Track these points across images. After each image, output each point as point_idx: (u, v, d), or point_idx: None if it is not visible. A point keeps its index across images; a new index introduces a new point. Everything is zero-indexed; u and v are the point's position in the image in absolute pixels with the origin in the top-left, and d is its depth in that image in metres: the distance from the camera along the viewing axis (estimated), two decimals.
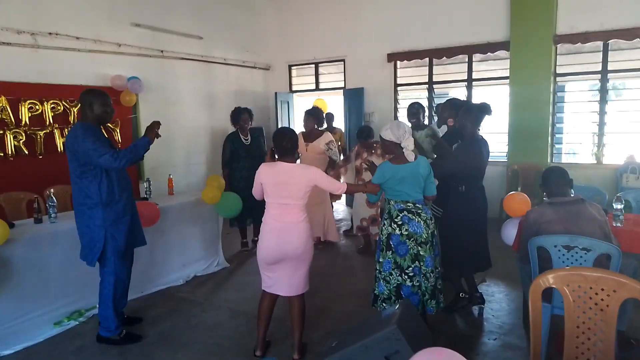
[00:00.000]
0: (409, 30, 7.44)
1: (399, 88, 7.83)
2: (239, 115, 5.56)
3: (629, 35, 5.88)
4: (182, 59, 7.17)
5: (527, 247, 2.95)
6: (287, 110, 8.76)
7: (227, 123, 7.81)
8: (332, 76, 8.61)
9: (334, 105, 9.70)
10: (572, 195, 2.86)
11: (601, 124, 6.30)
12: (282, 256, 2.95)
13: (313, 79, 8.72)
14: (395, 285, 3.21)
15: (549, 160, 6.57)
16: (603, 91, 6.24)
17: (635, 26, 5.83)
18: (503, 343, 3.32)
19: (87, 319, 3.78)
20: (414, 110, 4.84)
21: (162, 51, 6.79)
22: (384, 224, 3.27)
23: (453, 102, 4.35)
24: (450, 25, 7.09)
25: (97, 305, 3.46)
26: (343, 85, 8.29)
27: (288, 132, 3.03)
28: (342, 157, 5.86)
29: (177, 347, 3.37)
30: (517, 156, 6.65)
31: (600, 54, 6.19)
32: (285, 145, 2.97)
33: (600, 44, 6.16)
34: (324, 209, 5.58)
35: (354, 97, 8.02)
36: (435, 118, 5.56)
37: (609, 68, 6.17)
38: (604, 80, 6.22)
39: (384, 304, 3.25)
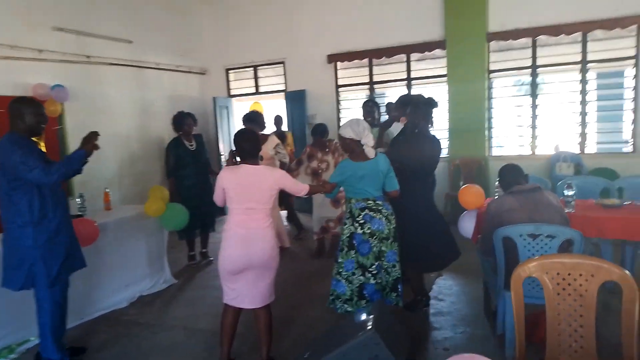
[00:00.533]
0: (349, 31, 7.44)
1: (340, 89, 7.80)
2: (183, 120, 5.25)
3: (555, 31, 6.22)
4: (111, 64, 6.69)
5: (490, 239, 2.96)
6: (227, 115, 8.46)
7: (163, 131, 7.47)
8: (272, 79, 8.43)
9: (274, 109, 9.56)
10: (530, 184, 2.91)
11: (534, 117, 6.62)
12: (247, 265, 2.76)
13: (252, 82, 8.49)
14: (357, 285, 3.17)
15: (487, 154, 6.81)
16: (533, 85, 6.57)
17: (560, 23, 6.18)
18: (470, 335, 3.32)
19: (19, 355, 3.35)
20: (369, 107, 4.79)
21: (88, 56, 6.29)
22: (346, 224, 3.25)
23: (403, 99, 4.34)
24: (388, 25, 7.16)
25: (37, 337, 3.09)
26: (284, 88, 8.14)
27: (249, 133, 2.91)
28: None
29: None
30: (458, 151, 6.83)
31: (530, 50, 6.51)
32: (246, 147, 2.83)
33: (529, 40, 6.46)
34: (274, 215, 5.38)
35: (295, 100, 7.90)
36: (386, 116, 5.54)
37: (538, 63, 6.50)
38: (534, 75, 6.54)
39: (345, 305, 3.21)
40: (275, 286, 2.95)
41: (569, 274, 2.02)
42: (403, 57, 7.23)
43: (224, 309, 2.93)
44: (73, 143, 5.83)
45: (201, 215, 5.17)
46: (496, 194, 3.88)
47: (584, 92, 6.31)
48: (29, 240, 2.84)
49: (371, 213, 3.17)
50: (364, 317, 2.74)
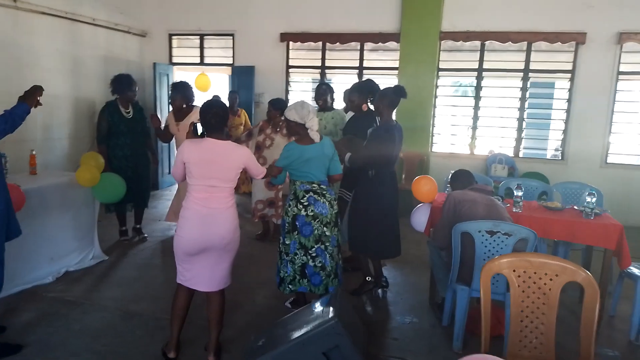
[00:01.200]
0: (304, 11, 7.26)
1: (290, 69, 7.62)
2: (129, 84, 4.76)
3: (503, 38, 6.49)
4: (42, 13, 6.01)
5: (446, 230, 3.02)
6: (167, 84, 7.96)
7: (95, 94, 6.89)
8: (218, 51, 8.05)
9: (218, 84, 9.14)
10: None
11: (474, 118, 6.89)
12: (206, 246, 2.59)
13: (197, 51, 8.04)
14: (300, 265, 3.22)
15: (429, 150, 7.00)
16: (477, 88, 6.82)
17: (509, 30, 6.45)
18: (417, 325, 3.38)
19: None
20: (322, 91, 4.68)
21: (15, 0, 5.59)
22: (289, 205, 3.26)
23: (362, 85, 4.28)
24: (345, 11, 7.07)
25: None
26: (231, 62, 7.80)
27: (217, 105, 2.69)
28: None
29: (64, 356, 2.79)
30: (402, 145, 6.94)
31: (478, 53, 6.74)
32: (211, 120, 2.64)
33: (478, 43, 6.69)
34: None
35: (243, 76, 7.60)
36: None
37: (485, 67, 6.75)
38: (479, 78, 6.80)
39: (289, 286, 3.25)
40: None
41: (535, 273, 2.09)
42: (357, 45, 7.20)
43: (177, 289, 2.74)
44: None
45: (135, 189, 4.79)
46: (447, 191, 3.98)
47: (523, 99, 6.67)
48: None
49: (315, 196, 3.20)
50: (321, 306, 2.69)
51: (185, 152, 2.61)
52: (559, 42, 6.32)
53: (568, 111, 6.53)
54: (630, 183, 6.29)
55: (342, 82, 7.67)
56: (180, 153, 2.65)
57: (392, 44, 6.99)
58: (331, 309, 2.53)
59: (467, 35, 6.63)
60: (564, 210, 3.58)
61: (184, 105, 4.91)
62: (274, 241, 4.98)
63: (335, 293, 2.75)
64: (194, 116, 4.89)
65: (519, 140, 6.79)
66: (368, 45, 7.17)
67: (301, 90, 7.71)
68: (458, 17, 6.62)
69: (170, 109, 5.16)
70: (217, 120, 2.64)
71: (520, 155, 6.85)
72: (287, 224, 3.26)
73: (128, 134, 4.80)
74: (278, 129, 4.91)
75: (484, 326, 2.12)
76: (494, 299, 3.01)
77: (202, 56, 8.06)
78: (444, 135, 7.24)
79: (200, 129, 2.91)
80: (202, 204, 2.59)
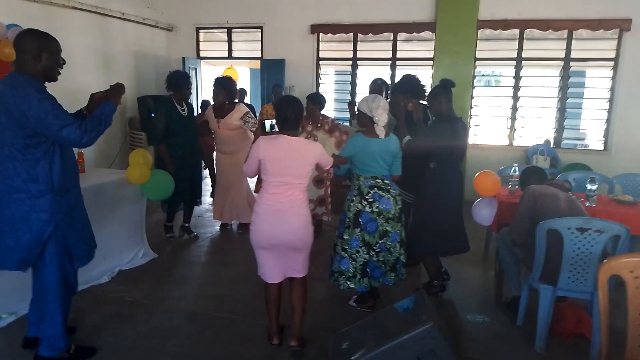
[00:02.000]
0: (334, 2, 7.10)
1: (321, 62, 7.49)
2: (186, 81, 4.64)
3: (544, 26, 6.31)
4: (74, 8, 5.93)
5: (526, 227, 2.91)
6: (196, 78, 7.87)
7: (128, 90, 6.77)
8: (247, 44, 7.92)
9: (242, 79, 9.03)
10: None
11: (514, 109, 6.74)
12: (277, 242, 2.62)
13: (225, 45, 7.92)
14: (361, 263, 3.18)
15: (469, 141, 6.84)
16: (517, 78, 6.66)
17: (549, 17, 6.28)
18: (490, 324, 3.26)
19: None
20: (377, 87, 4.55)
21: None
22: (353, 201, 3.21)
23: (409, 83, 4.08)
24: (376, 1, 6.92)
25: (36, 323, 2.62)
26: (260, 55, 7.68)
27: (293, 101, 2.68)
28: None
29: None
30: None
31: (517, 42, 6.57)
32: (289, 116, 2.62)
33: (517, 32, 6.52)
34: (244, 187, 5.09)
35: (273, 69, 7.48)
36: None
37: (524, 56, 6.58)
38: (518, 68, 6.63)
39: (348, 282, 3.21)
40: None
41: None
42: (390, 35, 7.05)
43: (265, 282, 2.77)
44: None
45: (190, 188, 4.71)
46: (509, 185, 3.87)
47: (564, 89, 6.50)
48: (44, 213, 2.35)
49: (380, 192, 3.15)
50: (407, 307, 2.60)
51: (261, 149, 2.59)
52: (602, 30, 6.14)
53: (611, 100, 6.36)
54: None
55: (373, 74, 7.53)
56: (255, 149, 2.61)
57: (427, 34, 6.83)
58: (422, 310, 2.44)
59: (505, 24, 6.46)
60: (637, 203, 3.45)
61: (227, 102, 4.81)
62: (316, 238, 4.92)
63: (422, 294, 2.65)
64: (236, 114, 4.80)
65: (560, 130, 6.63)
66: (401, 35, 7.01)
67: (326, 83, 7.56)
68: (497, 5, 6.44)
69: (211, 103, 5.07)
70: (296, 116, 2.63)
71: (563, 146, 6.69)
72: (347, 219, 3.22)
73: (184, 133, 4.61)
74: (320, 125, 4.78)
75: (602, 331, 2.00)
76: (579, 297, 2.93)
77: (230, 49, 7.94)
78: (483, 126, 7.08)
79: (268, 124, 2.86)
80: (276, 199, 2.59)
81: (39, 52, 2.30)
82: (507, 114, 6.79)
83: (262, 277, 2.77)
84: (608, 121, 6.42)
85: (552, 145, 6.62)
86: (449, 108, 3.50)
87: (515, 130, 6.80)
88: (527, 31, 6.48)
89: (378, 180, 3.18)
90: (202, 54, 8.09)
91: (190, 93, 4.73)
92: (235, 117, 4.80)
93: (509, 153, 6.66)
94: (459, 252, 3.62)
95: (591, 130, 6.72)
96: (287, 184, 2.59)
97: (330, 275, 3.30)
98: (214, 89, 4.83)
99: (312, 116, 4.78)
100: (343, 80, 8.62)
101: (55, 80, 2.45)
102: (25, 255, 2.40)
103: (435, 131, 3.50)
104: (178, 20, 7.92)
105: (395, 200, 3.21)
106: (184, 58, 7.57)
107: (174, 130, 4.56)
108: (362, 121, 3.23)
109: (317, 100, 4.72)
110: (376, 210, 3.13)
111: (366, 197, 3.14)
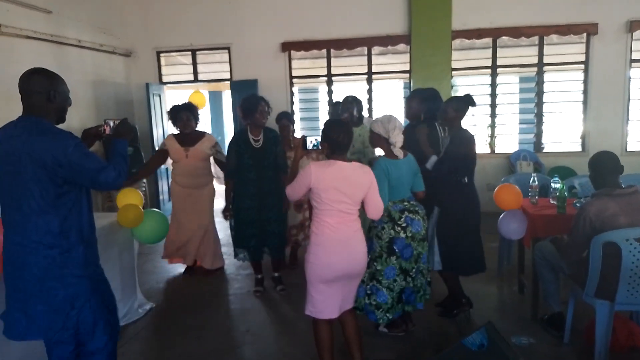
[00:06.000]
0: (305, 19, 6.91)
1: (294, 80, 7.26)
2: (257, 104, 3.85)
3: (516, 33, 6.43)
4: (27, 37, 5.38)
5: (582, 248, 2.78)
6: (160, 105, 7.40)
7: (86, 120, 6.21)
8: (213, 66, 7.56)
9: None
10: (628, 186, 2.76)
11: (493, 116, 6.79)
12: (345, 272, 2.46)
13: (190, 68, 7.51)
14: (398, 290, 3.06)
15: None
16: (494, 85, 6.72)
17: (521, 25, 6.39)
18: (537, 345, 3.09)
19: None
20: (348, 104, 4.36)
21: None
22: (384, 228, 3.02)
23: (423, 95, 3.99)
24: (348, 15, 6.79)
25: None
26: (229, 77, 7.33)
27: (345, 124, 2.52)
28: None
29: None
30: None
31: (490, 50, 6.64)
32: (342, 141, 2.47)
33: (490, 40, 6.59)
34: (211, 227, 4.63)
35: (245, 90, 7.11)
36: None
37: (498, 64, 6.66)
38: (494, 75, 6.70)
39: (387, 314, 3.03)
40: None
41: None
42: (363, 50, 6.94)
43: (314, 323, 2.57)
44: None
45: (267, 232, 3.98)
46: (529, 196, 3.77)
47: (540, 93, 6.62)
48: (78, 268, 2.03)
49: (411, 215, 3.04)
50: (478, 342, 2.37)
51: (312, 177, 2.42)
52: (571, 34, 6.33)
53: (585, 102, 6.54)
54: None
55: (347, 91, 7.37)
56: (306, 176, 2.44)
57: (402, 47, 6.78)
58: (501, 347, 2.22)
59: (479, 33, 6.52)
60: None
61: (195, 129, 4.47)
62: (292, 265, 4.68)
63: (491, 326, 2.44)
64: (207, 143, 4.42)
65: (539, 135, 6.74)
66: (376, 49, 6.92)
67: (303, 101, 7.35)
68: (469, 15, 6.49)
69: (171, 131, 4.63)
70: (348, 141, 2.48)
71: (544, 150, 6.79)
72: (379, 248, 3.04)
73: (255, 168, 3.89)
74: (292, 146, 4.47)
75: None
76: (634, 310, 2.81)
77: (195, 72, 7.54)
78: None
79: (309, 143, 2.60)
80: (337, 228, 2.46)
81: (53, 92, 2.05)
82: (487, 122, 6.83)
83: (315, 316, 2.53)
84: (584, 122, 6.59)
85: (532, 150, 6.71)
86: (459, 121, 3.46)
87: (495, 137, 6.85)
88: (500, 39, 6.57)
89: (406, 203, 3.07)
90: (164, 79, 7.63)
91: (264, 117, 3.92)
92: (206, 145, 4.43)
93: (491, 161, 6.69)
94: (481, 271, 3.49)
95: (568, 132, 6.87)
96: (342, 211, 2.46)
97: (359, 308, 3.04)
98: (181, 115, 4.39)
99: (285, 134, 4.52)
100: (309, 99, 8.46)
101: (64, 121, 2.15)
102: (56, 318, 2.03)
103: (460, 143, 3.38)
104: (136, 45, 7.44)
105: (424, 220, 3.12)
106: (147, 84, 7.08)
107: (240, 167, 3.92)
108: (378, 144, 3.13)
109: (292, 118, 4.70)
110: (410, 235, 3.02)
111: (399, 222, 3.01)
